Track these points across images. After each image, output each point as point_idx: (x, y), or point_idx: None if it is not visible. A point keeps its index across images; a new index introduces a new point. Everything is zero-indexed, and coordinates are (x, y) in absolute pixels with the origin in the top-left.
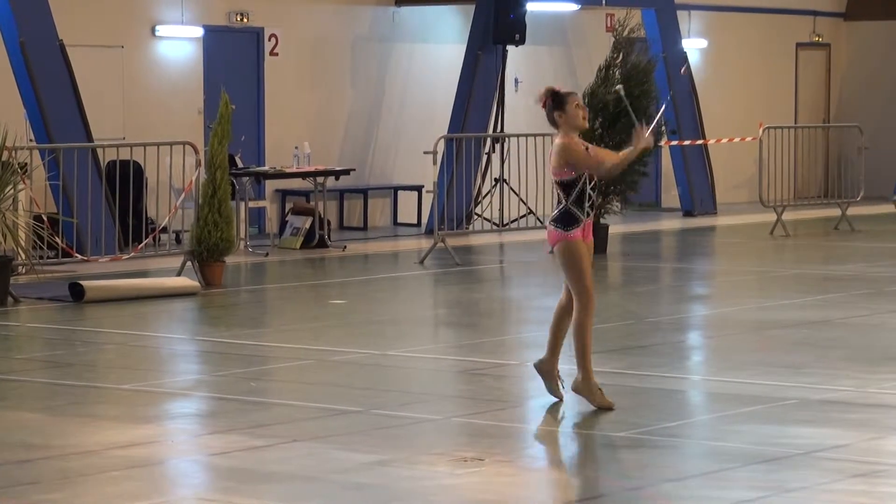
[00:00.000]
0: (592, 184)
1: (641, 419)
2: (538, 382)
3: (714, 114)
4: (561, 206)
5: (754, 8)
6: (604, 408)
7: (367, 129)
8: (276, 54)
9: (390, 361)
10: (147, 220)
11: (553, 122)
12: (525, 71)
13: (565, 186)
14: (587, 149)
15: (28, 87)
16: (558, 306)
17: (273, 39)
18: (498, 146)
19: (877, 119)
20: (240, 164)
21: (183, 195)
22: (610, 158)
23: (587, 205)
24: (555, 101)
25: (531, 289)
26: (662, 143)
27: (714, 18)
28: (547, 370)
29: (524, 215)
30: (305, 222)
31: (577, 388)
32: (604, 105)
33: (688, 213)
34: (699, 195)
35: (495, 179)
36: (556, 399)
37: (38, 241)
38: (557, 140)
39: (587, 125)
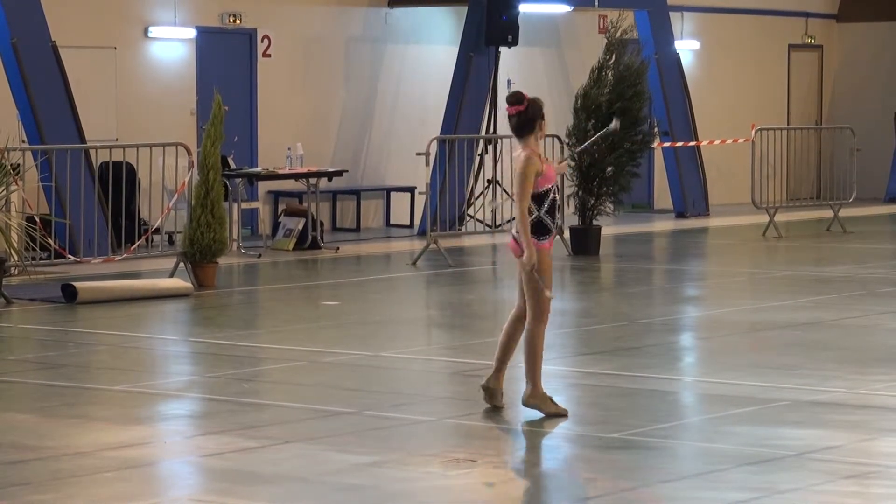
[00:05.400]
0: (560, 193)
1: (634, 420)
2: None
3: (706, 115)
4: (533, 216)
5: (747, 9)
6: (559, 415)
7: (360, 130)
8: (269, 55)
9: (383, 363)
10: (140, 222)
11: (529, 130)
12: (518, 72)
13: (537, 197)
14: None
15: (20, 88)
16: (511, 319)
17: (266, 41)
18: (490, 148)
19: (869, 120)
20: (232, 166)
21: (175, 196)
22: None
23: (558, 216)
24: (536, 109)
25: None
26: (655, 144)
27: (706, 20)
28: (494, 388)
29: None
30: (298, 223)
31: (527, 402)
32: (596, 106)
33: (680, 215)
34: (691, 196)
35: (488, 181)
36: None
37: (31, 243)
38: (524, 152)
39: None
